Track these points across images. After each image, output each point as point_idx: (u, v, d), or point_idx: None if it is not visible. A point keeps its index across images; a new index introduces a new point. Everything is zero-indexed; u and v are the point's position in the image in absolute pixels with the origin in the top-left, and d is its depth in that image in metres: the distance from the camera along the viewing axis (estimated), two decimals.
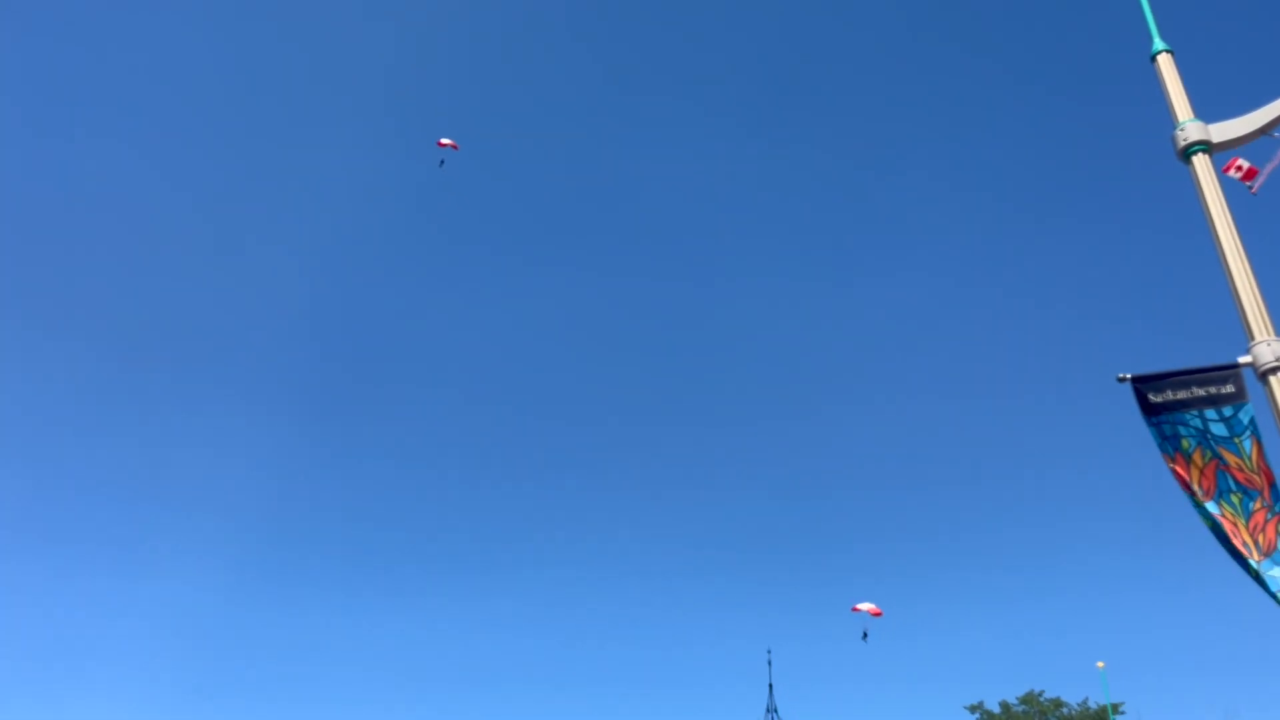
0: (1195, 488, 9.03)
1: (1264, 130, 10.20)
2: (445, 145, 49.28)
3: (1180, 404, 9.26)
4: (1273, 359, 8.94)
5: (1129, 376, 9.45)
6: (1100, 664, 42.96)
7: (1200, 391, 9.25)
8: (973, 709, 55.47)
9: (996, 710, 54.23)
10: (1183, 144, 10.21)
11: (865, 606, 40.35)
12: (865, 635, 39.73)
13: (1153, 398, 9.33)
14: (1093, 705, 50.88)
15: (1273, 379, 8.90)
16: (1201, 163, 10.07)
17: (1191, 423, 9.20)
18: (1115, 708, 43.50)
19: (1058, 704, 52.84)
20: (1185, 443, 9.18)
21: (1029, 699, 53.50)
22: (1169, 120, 10.55)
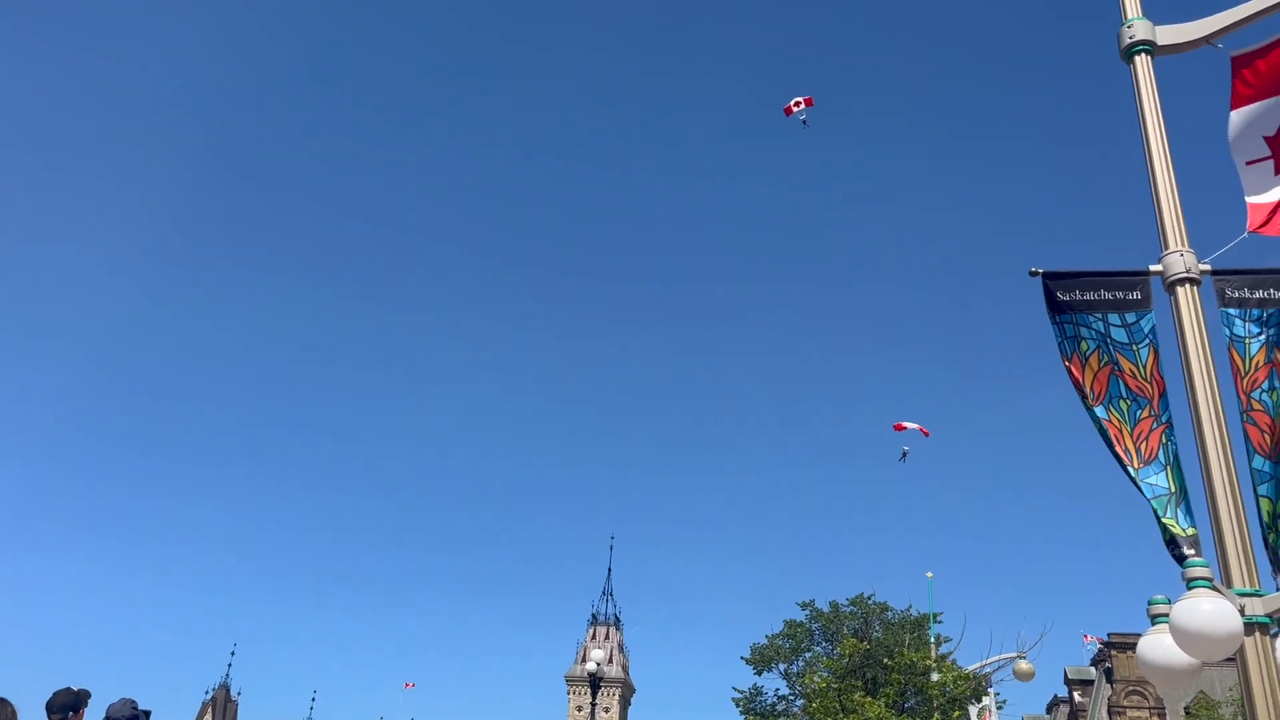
0: (1087, 390, 8.89)
1: (1208, 39, 9.84)
2: None
3: (1086, 305, 9.06)
4: (1183, 270, 8.77)
5: (1040, 271, 9.19)
6: (929, 575, 45.16)
7: (1107, 295, 9.05)
8: (804, 605, 57.92)
9: (825, 609, 56.74)
10: (1128, 41, 9.79)
11: (911, 425, 38.45)
12: (905, 455, 38.33)
13: (1061, 295, 9.10)
14: (914, 613, 53.78)
15: (1180, 290, 8.74)
16: (1143, 64, 9.69)
17: (1094, 325, 9.02)
18: (935, 616, 45.93)
19: (884, 608, 55.60)
20: (1084, 344, 9.01)
21: (858, 601, 56.05)
22: (1115, 18, 10.13)
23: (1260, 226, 9.49)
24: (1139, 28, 9.81)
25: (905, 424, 38.38)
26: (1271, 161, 9.69)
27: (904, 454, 38.89)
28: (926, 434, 37.87)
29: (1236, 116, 9.88)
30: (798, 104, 38.83)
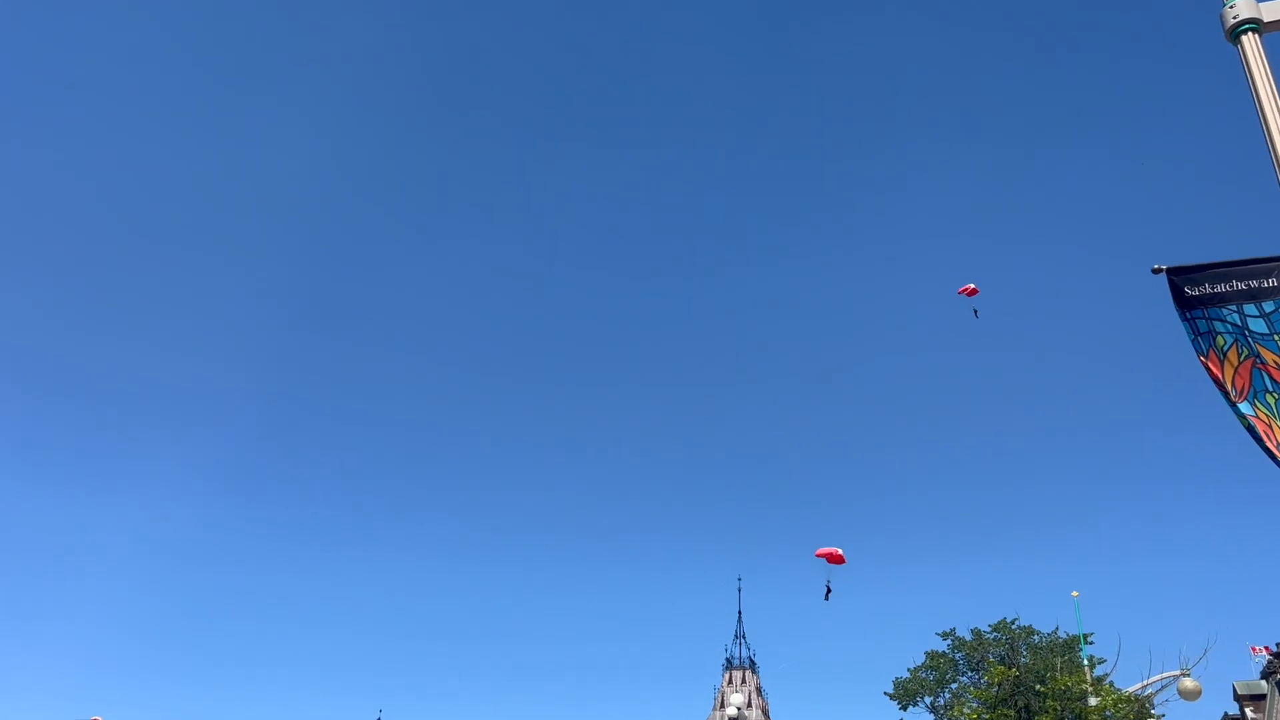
0: (1229, 386, 8.47)
1: None
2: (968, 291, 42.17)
3: (1218, 298, 8.66)
4: None
5: (1164, 268, 8.83)
6: (1075, 594, 43.23)
7: (1240, 285, 8.65)
8: (945, 635, 56.06)
9: (968, 637, 54.78)
10: (1232, 21, 9.45)
11: (826, 551, 37.32)
12: (829, 593, 37.65)
13: (1189, 291, 8.73)
14: (1062, 635, 51.54)
15: None
16: (1250, 42, 9.33)
17: (1229, 318, 8.61)
18: (1086, 638, 43.87)
19: (1029, 631, 53.40)
20: (1221, 339, 8.60)
21: (1001, 626, 53.99)
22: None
23: None
24: (1242, 6, 9.45)
25: (822, 551, 36.77)
26: None
27: (828, 592, 37.91)
28: (842, 561, 36.39)
29: None
30: (970, 291, 41.16)
